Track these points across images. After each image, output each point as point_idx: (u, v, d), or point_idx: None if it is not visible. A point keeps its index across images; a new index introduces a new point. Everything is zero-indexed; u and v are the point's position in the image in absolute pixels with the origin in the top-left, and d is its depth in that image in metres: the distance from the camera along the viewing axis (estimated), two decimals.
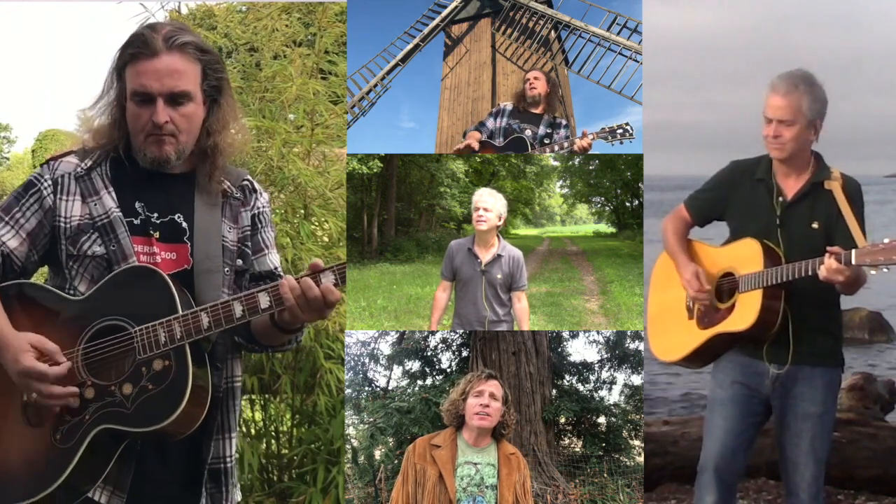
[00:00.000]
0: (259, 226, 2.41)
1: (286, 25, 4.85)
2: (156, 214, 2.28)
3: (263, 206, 2.44)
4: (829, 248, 2.71)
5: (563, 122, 4.96)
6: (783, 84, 2.89)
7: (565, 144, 4.74)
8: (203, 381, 2.19)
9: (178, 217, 2.29)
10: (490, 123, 4.97)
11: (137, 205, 2.27)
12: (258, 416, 4.62)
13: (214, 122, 2.30)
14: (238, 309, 2.16)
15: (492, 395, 2.97)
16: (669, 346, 3.17)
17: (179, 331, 2.14)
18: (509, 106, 5.00)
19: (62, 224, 2.25)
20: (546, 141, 4.85)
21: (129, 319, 2.17)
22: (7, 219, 2.25)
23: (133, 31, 2.25)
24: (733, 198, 3.08)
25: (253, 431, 4.59)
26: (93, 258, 2.23)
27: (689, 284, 3.05)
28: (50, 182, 2.26)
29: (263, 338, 2.36)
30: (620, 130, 4.63)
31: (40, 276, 2.42)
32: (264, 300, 2.17)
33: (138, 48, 2.20)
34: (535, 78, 4.95)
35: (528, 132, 4.85)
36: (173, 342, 2.14)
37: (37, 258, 2.28)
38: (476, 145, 4.87)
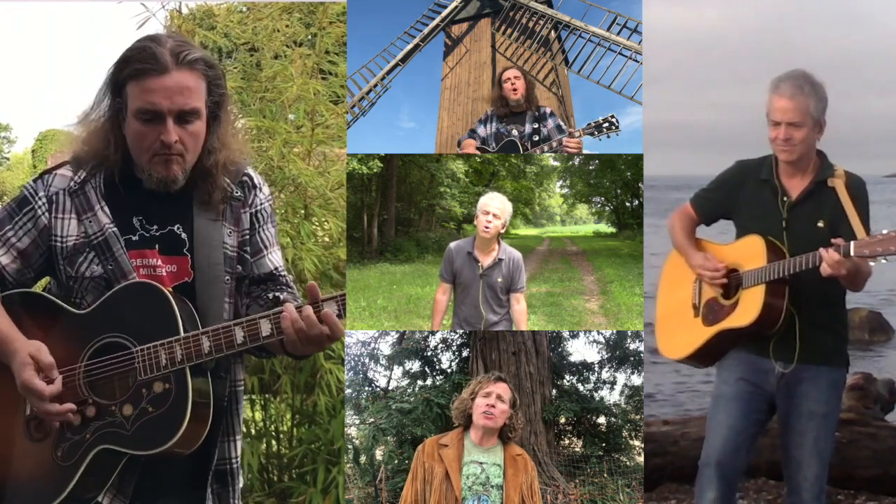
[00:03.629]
0: (257, 224, 2.34)
1: (286, 25, 4.85)
2: (155, 227, 2.23)
3: (263, 203, 2.36)
4: (832, 241, 2.71)
5: (548, 110, 4.86)
6: (788, 86, 2.87)
7: (554, 145, 4.69)
8: (204, 398, 2.15)
9: (178, 228, 2.24)
10: (481, 130, 4.92)
11: (135, 220, 2.22)
12: (258, 416, 4.62)
13: (215, 140, 2.23)
14: (239, 335, 2.13)
15: (499, 397, 3.02)
16: (676, 345, 3.18)
17: (180, 354, 2.10)
18: None
19: (58, 244, 2.20)
20: (535, 138, 4.78)
21: (130, 337, 2.14)
22: None
23: (133, 45, 2.16)
24: (738, 198, 3.08)
25: (253, 431, 4.59)
26: (91, 279, 2.18)
27: (703, 268, 3.04)
28: (45, 200, 2.20)
29: (273, 349, 2.30)
30: (606, 124, 4.54)
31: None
32: (266, 327, 2.13)
33: (146, 63, 2.10)
34: (516, 77, 4.80)
35: (515, 132, 4.78)
36: (174, 365, 2.10)
37: (32, 275, 2.24)
38: (474, 150, 4.86)
